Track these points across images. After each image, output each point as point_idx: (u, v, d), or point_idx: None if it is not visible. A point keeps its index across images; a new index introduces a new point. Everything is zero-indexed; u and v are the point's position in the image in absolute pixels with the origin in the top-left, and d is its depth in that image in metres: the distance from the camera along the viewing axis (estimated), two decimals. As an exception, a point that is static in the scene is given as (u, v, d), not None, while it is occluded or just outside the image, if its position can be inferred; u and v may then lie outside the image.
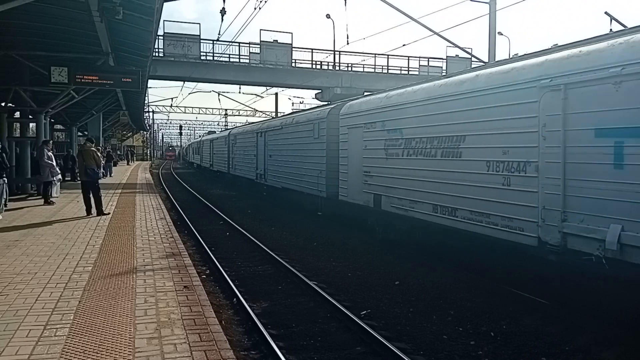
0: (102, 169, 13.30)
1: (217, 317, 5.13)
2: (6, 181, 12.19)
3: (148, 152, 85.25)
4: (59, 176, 15.53)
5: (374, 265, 9.26)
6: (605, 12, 14.55)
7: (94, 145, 12.75)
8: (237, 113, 68.53)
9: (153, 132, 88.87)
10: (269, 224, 14.15)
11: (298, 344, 5.70)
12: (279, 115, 40.08)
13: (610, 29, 15.49)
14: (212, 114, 70.32)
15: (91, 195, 12.22)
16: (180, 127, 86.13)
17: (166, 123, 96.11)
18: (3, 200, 11.78)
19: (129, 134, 66.44)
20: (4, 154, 12.18)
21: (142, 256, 7.77)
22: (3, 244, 8.51)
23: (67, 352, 4.08)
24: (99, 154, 12.69)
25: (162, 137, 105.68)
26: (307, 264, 9.40)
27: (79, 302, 5.41)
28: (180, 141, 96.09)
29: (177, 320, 4.88)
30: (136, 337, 4.41)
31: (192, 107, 69.60)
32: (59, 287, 5.99)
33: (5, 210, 11.97)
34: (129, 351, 4.12)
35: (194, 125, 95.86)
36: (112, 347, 4.20)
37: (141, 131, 73.27)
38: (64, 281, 6.24)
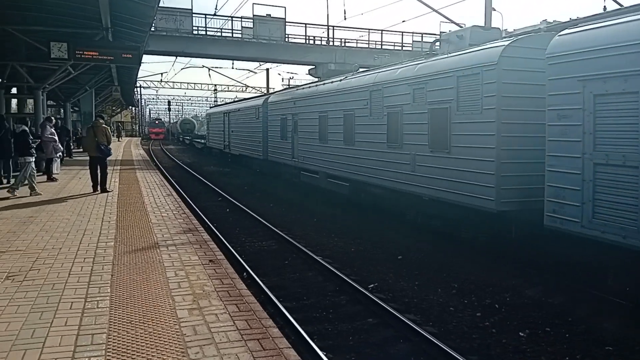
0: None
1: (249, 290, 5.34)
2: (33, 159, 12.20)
3: (137, 127, 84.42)
4: (60, 153, 15.50)
5: (375, 240, 9.50)
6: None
7: (104, 122, 12.78)
8: (226, 89, 68.01)
9: (141, 108, 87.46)
10: (268, 200, 14.34)
11: (311, 316, 5.95)
12: (269, 91, 39.86)
13: (604, 7, 15.64)
14: (202, 89, 69.73)
15: (99, 171, 12.27)
16: (169, 102, 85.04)
17: (154, 99, 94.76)
18: (27, 178, 11.74)
19: (118, 110, 65.67)
20: (29, 134, 12.21)
21: (159, 231, 7.92)
22: (19, 220, 8.63)
23: (114, 323, 4.27)
24: (109, 131, 12.72)
25: (150, 113, 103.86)
26: (310, 240, 9.62)
27: (112, 275, 5.58)
28: (169, 117, 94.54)
29: (211, 292, 5.09)
30: (177, 308, 4.61)
31: (181, 83, 69.04)
32: (87, 261, 6.15)
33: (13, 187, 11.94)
34: (173, 321, 4.32)
35: (182, 101, 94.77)
36: (156, 318, 4.39)
37: (130, 107, 72.31)
38: (91, 256, 6.40)
